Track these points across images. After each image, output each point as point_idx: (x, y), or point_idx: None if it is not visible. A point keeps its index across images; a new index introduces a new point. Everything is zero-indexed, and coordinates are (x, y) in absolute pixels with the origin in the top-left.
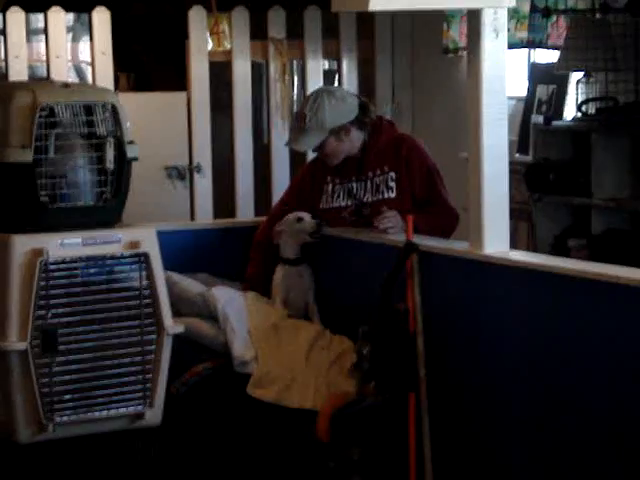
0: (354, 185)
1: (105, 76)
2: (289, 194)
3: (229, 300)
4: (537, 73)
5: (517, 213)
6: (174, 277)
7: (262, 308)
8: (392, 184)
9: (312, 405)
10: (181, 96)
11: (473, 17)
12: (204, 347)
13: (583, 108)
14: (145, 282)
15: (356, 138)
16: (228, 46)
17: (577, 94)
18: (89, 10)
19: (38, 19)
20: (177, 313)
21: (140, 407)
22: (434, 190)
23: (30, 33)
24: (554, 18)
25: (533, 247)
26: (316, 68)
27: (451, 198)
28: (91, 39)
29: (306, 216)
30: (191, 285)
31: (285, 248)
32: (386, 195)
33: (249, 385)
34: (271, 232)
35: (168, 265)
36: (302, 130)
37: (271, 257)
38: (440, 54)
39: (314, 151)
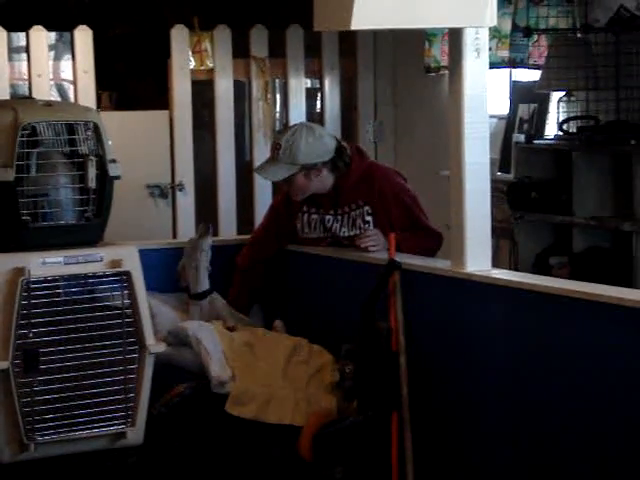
0: (329, 218)
1: (87, 95)
2: (268, 219)
3: (198, 327)
4: (518, 92)
5: (499, 231)
6: (152, 308)
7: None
8: (369, 218)
9: (291, 420)
10: (163, 114)
11: (455, 36)
12: (183, 369)
13: (564, 127)
14: (127, 301)
15: (326, 178)
16: (210, 65)
17: (558, 113)
18: (71, 29)
19: (20, 38)
20: None
21: (122, 426)
22: (412, 217)
23: (12, 52)
24: (535, 37)
25: (515, 265)
26: (298, 86)
27: (431, 219)
28: (73, 58)
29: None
30: (163, 322)
31: (192, 281)
32: (363, 229)
33: (228, 403)
34: (250, 259)
35: (150, 283)
36: (273, 159)
37: (253, 282)
38: (422, 72)
39: (281, 183)
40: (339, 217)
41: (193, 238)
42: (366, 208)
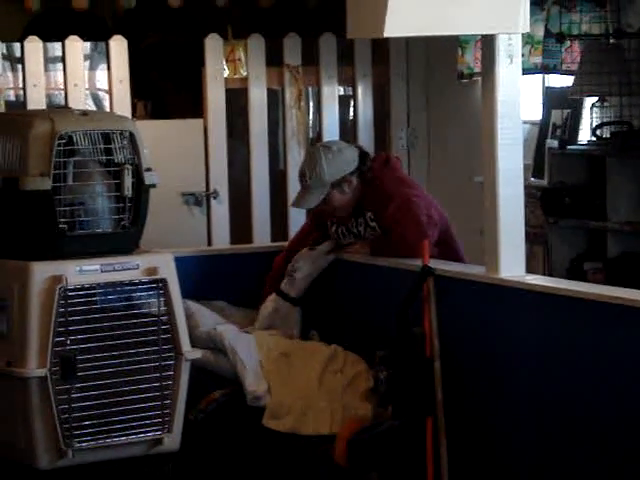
0: (352, 222)
1: (122, 104)
2: (302, 231)
3: (235, 336)
4: (551, 98)
5: (532, 237)
6: (192, 308)
7: (269, 340)
8: (373, 224)
9: (329, 430)
10: (198, 123)
11: (487, 43)
12: (219, 375)
13: (598, 132)
14: (163, 308)
15: (357, 187)
16: (244, 73)
17: (591, 118)
18: (106, 39)
19: (56, 48)
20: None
21: (158, 433)
22: (392, 222)
23: (48, 62)
24: (568, 43)
25: (549, 271)
26: (331, 94)
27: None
28: (108, 67)
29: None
30: (203, 319)
31: (291, 283)
32: (370, 234)
33: (264, 417)
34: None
35: (185, 291)
36: (304, 188)
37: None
38: (454, 79)
39: (322, 207)
40: (360, 221)
41: (325, 248)
42: (369, 214)
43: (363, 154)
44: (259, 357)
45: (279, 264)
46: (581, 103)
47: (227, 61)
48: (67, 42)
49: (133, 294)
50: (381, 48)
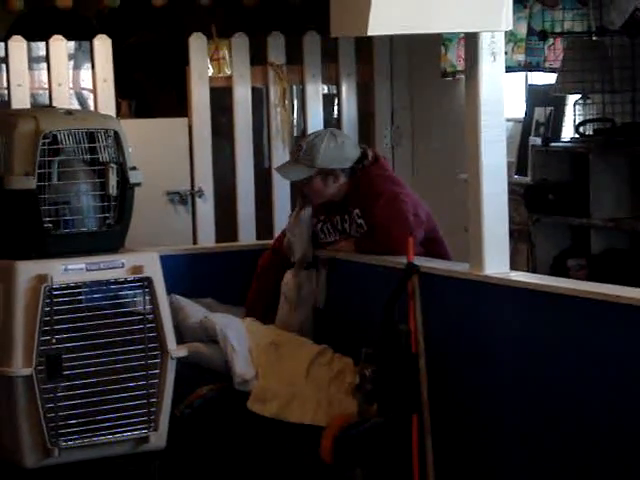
0: (337, 219)
1: (107, 103)
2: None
3: (227, 323)
4: (535, 95)
5: (516, 234)
6: (181, 302)
7: (260, 329)
8: (360, 221)
9: (312, 420)
10: (182, 122)
11: (471, 41)
12: (207, 370)
13: (581, 129)
14: (148, 306)
15: (343, 186)
16: (228, 72)
17: (574, 115)
18: (90, 38)
19: (40, 47)
20: (179, 340)
21: (145, 431)
22: (376, 216)
23: (32, 61)
24: (551, 41)
25: (532, 268)
26: (315, 93)
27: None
28: (93, 67)
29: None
30: (193, 312)
31: (294, 250)
32: (357, 232)
33: (249, 400)
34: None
35: (171, 289)
36: (294, 160)
37: (271, 286)
38: (438, 77)
39: (299, 184)
40: (346, 216)
41: (293, 212)
42: (356, 211)
43: (362, 157)
44: (249, 344)
45: (265, 263)
46: (564, 100)
47: (211, 60)
48: (51, 41)
49: (118, 293)
50: (365, 46)
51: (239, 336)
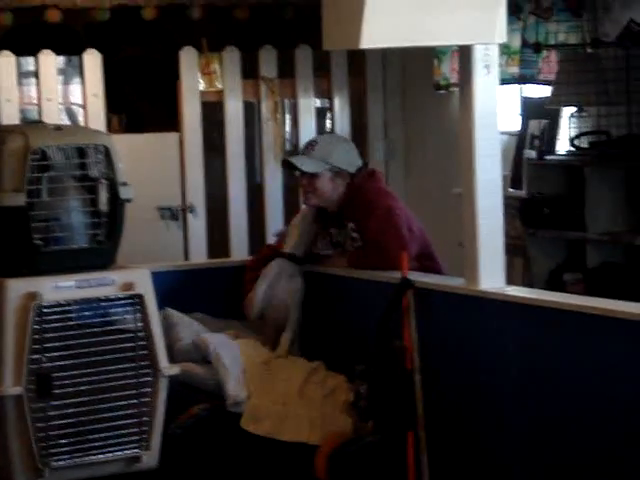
0: (333, 232)
1: (97, 118)
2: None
3: (220, 342)
4: (529, 108)
5: (512, 248)
6: (174, 317)
7: (254, 348)
8: (355, 234)
9: (306, 439)
10: (173, 137)
11: (464, 53)
12: (199, 389)
13: (576, 142)
14: (140, 324)
15: (341, 191)
16: (220, 86)
17: (569, 128)
18: (80, 52)
19: (29, 62)
20: (172, 360)
21: (137, 450)
22: (371, 230)
23: (21, 76)
24: (545, 53)
25: (528, 282)
26: (308, 106)
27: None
28: (82, 81)
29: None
30: (185, 331)
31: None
32: (352, 246)
33: (243, 419)
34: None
35: (163, 306)
36: (306, 155)
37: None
38: (431, 90)
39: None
40: (341, 231)
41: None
42: (350, 225)
43: (361, 168)
44: (242, 364)
45: (250, 265)
46: (559, 113)
47: (202, 74)
48: (40, 56)
49: (109, 310)
50: (357, 60)
51: (232, 356)
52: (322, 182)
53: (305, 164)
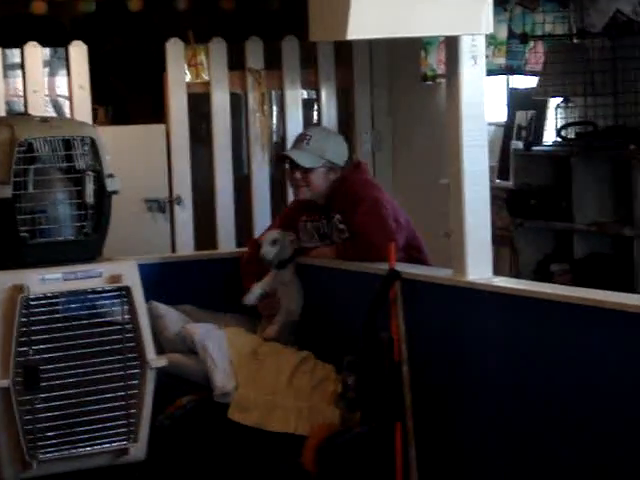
0: (320, 225)
1: (83, 110)
2: (277, 223)
3: (206, 332)
4: (516, 99)
5: (499, 239)
6: (160, 309)
7: (242, 337)
8: (342, 226)
9: (294, 429)
10: (160, 128)
11: (451, 44)
12: (187, 380)
13: (563, 133)
14: (127, 316)
15: (330, 184)
16: (206, 77)
17: (556, 119)
18: (66, 44)
19: (14, 54)
20: (159, 351)
21: (124, 442)
22: (357, 220)
23: (6, 68)
24: (532, 44)
25: (516, 273)
26: (295, 98)
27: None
28: (68, 73)
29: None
30: (172, 322)
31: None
32: (340, 238)
33: (230, 409)
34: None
35: (149, 298)
36: (301, 148)
37: (262, 269)
38: (418, 82)
39: (298, 174)
40: (330, 225)
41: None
42: (337, 216)
43: (347, 162)
44: (230, 354)
45: (246, 260)
46: (545, 104)
47: (189, 65)
48: (26, 48)
49: (96, 302)
50: (344, 51)
51: (219, 346)
52: (316, 176)
53: (302, 159)
